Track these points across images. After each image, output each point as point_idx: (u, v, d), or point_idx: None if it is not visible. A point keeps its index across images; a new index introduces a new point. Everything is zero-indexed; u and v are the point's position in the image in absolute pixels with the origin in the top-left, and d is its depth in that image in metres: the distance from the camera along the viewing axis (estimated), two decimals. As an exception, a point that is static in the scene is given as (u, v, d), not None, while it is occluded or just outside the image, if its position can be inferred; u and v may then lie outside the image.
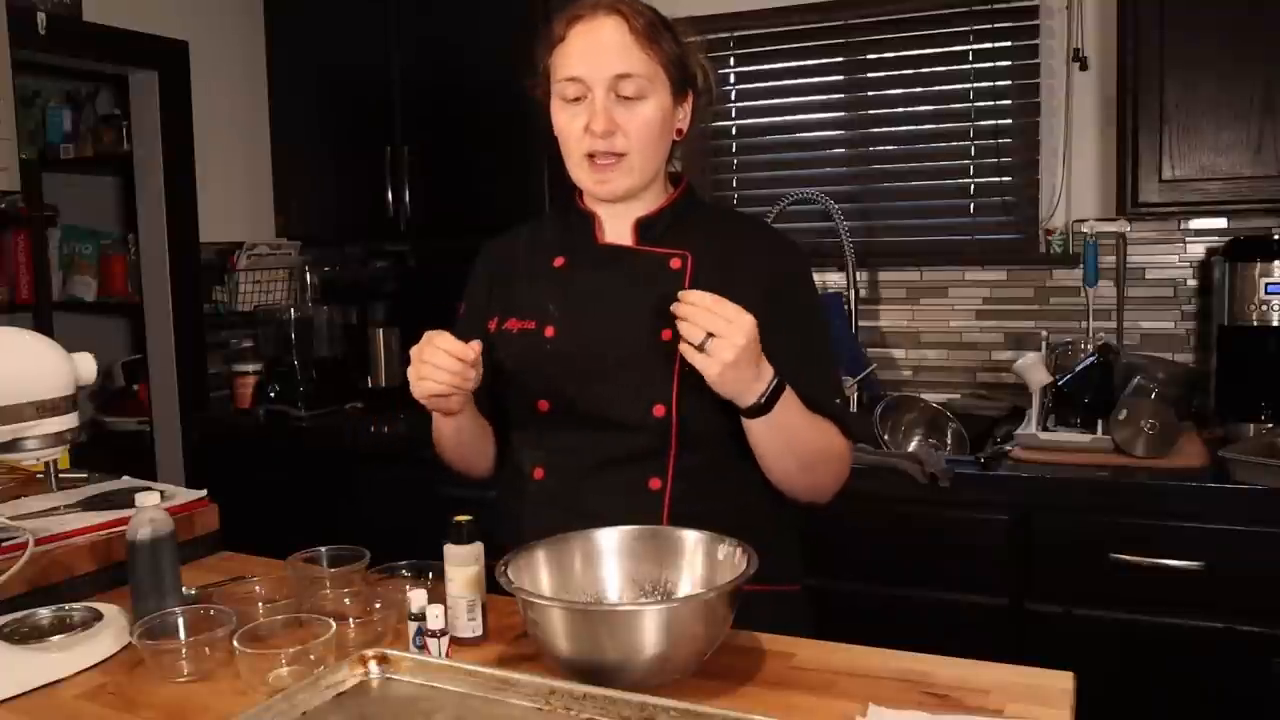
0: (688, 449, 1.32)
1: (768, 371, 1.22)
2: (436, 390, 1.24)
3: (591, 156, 1.33)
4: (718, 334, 1.16)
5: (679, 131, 1.39)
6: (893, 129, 2.83)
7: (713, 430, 1.32)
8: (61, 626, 1.24)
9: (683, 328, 1.18)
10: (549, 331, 1.36)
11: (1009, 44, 2.67)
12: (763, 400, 1.22)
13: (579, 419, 1.34)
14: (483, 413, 1.43)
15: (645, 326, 1.33)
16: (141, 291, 3.20)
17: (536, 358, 1.36)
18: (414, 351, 1.25)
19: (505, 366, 1.38)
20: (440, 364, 1.23)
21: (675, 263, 1.36)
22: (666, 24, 1.36)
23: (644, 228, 1.39)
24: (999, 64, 2.69)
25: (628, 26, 1.30)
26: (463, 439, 1.42)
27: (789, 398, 1.26)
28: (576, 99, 1.32)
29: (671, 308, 1.19)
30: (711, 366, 1.17)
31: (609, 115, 1.30)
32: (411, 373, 1.26)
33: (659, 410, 1.31)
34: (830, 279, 2.87)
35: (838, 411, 1.36)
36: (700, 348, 1.16)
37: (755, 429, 1.26)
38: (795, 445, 1.30)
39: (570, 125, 1.33)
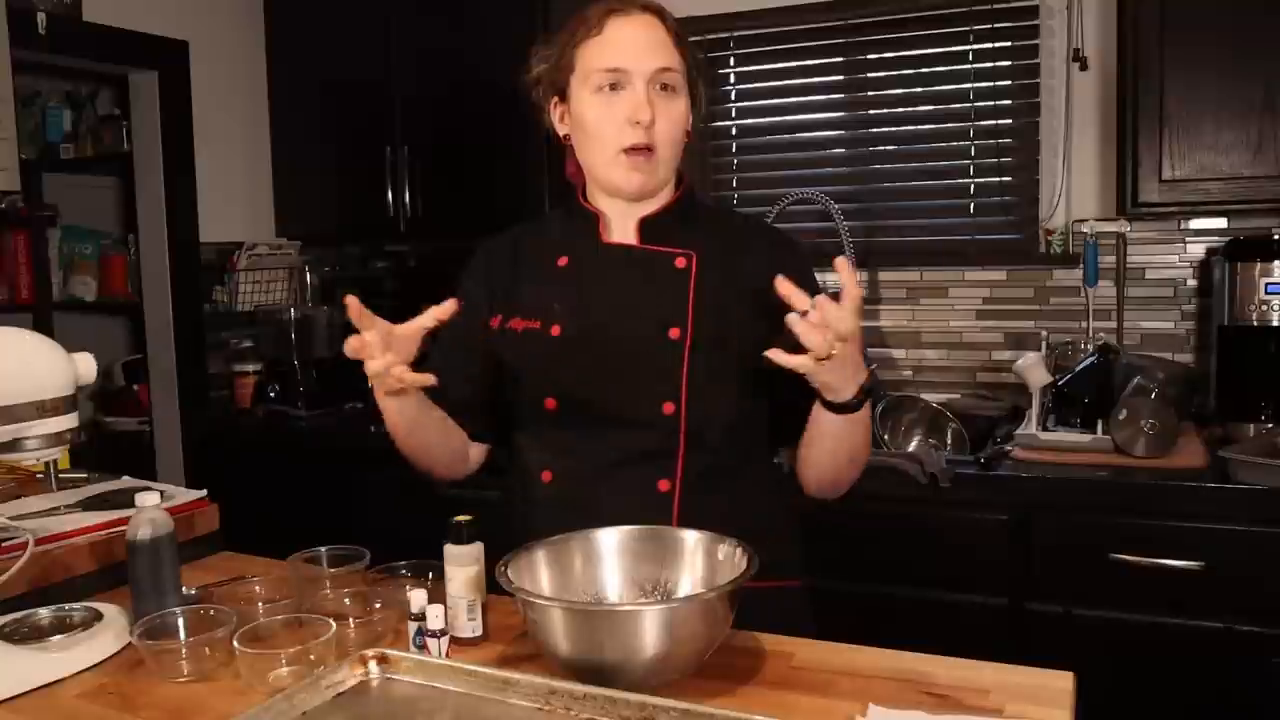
0: (696, 448, 1.33)
1: (863, 370, 1.23)
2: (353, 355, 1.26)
3: (627, 150, 1.32)
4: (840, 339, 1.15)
5: (688, 134, 1.40)
6: (893, 129, 2.82)
7: (720, 427, 1.33)
8: (61, 626, 1.24)
9: (812, 340, 1.15)
10: (555, 330, 1.36)
11: (1009, 44, 2.67)
12: (859, 396, 1.24)
13: (587, 417, 1.34)
14: (470, 414, 1.42)
15: (653, 324, 1.33)
16: (141, 291, 3.20)
17: (543, 356, 1.35)
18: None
19: (510, 366, 1.38)
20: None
21: (680, 261, 1.37)
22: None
23: (648, 226, 1.40)
24: (999, 64, 2.68)
25: (664, 25, 1.34)
26: (413, 430, 1.36)
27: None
28: (614, 89, 1.32)
29: (795, 323, 1.15)
30: (836, 365, 1.17)
31: (653, 106, 1.31)
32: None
33: (668, 407, 1.31)
34: (830, 279, 2.86)
35: None
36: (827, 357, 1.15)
37: (838, 425, 1.26)
38: (857, 441, 1.31)
39: (607, 117, 1.32)
